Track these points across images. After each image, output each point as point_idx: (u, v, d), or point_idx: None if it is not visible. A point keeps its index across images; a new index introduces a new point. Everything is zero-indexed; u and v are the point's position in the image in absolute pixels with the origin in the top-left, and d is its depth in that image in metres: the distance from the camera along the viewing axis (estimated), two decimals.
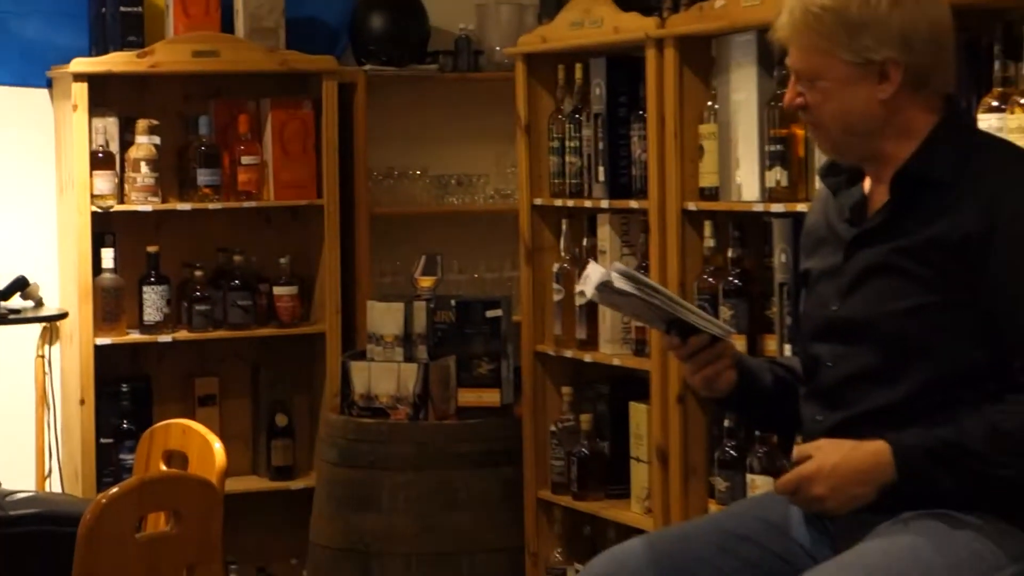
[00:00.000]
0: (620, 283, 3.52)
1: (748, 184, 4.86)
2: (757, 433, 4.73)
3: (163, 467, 4.58)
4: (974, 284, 3.36)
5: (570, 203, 5.65)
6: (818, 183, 4.00)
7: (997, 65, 3.99)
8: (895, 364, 3.43)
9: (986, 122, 3.84)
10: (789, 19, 3.46)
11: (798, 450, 3.42)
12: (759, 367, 3.79)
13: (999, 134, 3.75)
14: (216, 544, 4.08)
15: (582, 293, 3.67)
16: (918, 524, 3.38)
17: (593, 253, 5.54)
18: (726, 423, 4.89)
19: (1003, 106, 3.89)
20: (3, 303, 6.60)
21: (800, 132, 4.65)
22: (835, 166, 3.65)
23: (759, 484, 4.62)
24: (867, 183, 3.59)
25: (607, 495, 5.57)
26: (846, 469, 3.33)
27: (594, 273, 3.60)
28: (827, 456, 3.35)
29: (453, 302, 6.01)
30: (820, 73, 3.45)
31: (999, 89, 3.95)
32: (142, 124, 6.88)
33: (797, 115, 4.53)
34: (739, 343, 4.07)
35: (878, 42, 3.39)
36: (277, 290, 7.09)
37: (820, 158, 4.57)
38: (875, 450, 3.32)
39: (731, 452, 4.85)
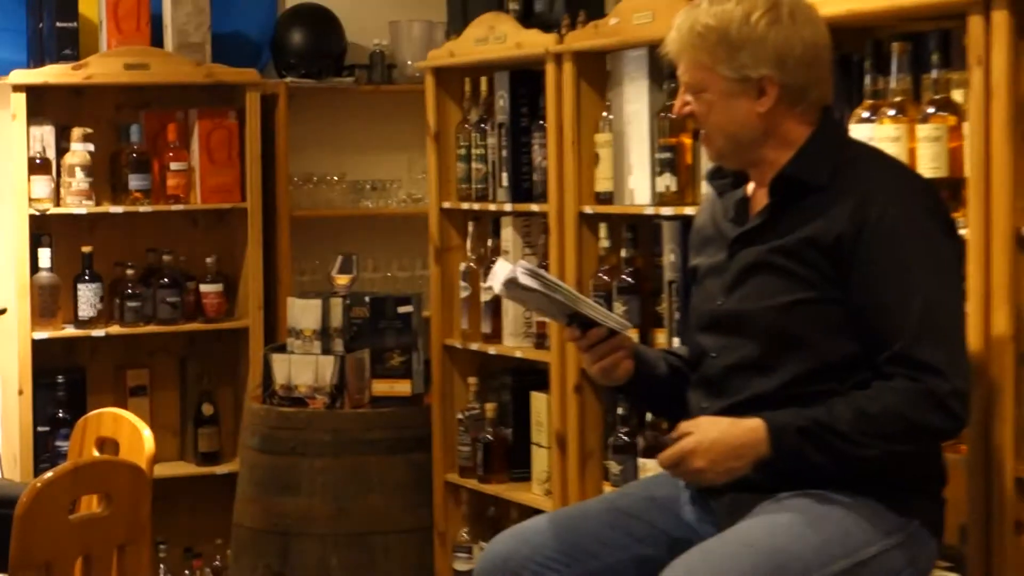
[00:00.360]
0: (525, 279, 3.54)
1: (640, 189, 4.85)
2: (648, 419, 4.74)
3: (96, 453, 4.54)
4: (845, 282, 3.39)
5: (476, 206, 5.63)
6: (704, 187, 4.00)
7: (868, 79, 4.06)
8: (773, 355, 3.46)
9: (858, 131, 3.87)
10: (677, 36, 3.52)
11: (679, 427, 3.44)
12: (655, 357, 3.81)
13: (870, 142, 3.77)
14: (145, 525, 4.04)
15: (490, 288, 3.67)
16: (794, 503, 3.41)
17: (497, 253, 5.52)
18: (619, 411, 4.91)
19: (873, 117, 3.95)
20: None
21: (688, 141, 4.67)
22: (721, 169, 3.70)
23: (649, 467, 4.62)
24: (750, 186, 3.63)
25: (510, 478, 5.56)
26: (723, 444, 3.37)
27: (501, 270, 3.61)
28: (706, 432, 3.38)
29: (367, 299, 5.99)
30: (704, 86, 3.50)
31: (870, 101, 4.01)
32: (77, 132, 6.82)
33: (685, 124, 4.60)
34: (632, 336, 4.06)
35: (755, 61, 3.45)
36: (203, 287, 7.07)
37: (706, 164, 4.57)
38: (751, 427, 3.36)
39: (624, 438, 4.86)
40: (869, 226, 3.36)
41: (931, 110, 3.91)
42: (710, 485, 3.47)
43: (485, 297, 5.55)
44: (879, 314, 3.35)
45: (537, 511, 4.87)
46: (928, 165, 3.83)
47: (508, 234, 5.53)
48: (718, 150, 3.59)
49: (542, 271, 3.62)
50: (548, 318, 4.16)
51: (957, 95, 3.88)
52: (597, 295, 4.89)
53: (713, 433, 3.38)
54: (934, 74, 3.96)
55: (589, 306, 3.62)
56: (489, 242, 5.63)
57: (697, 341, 3.67)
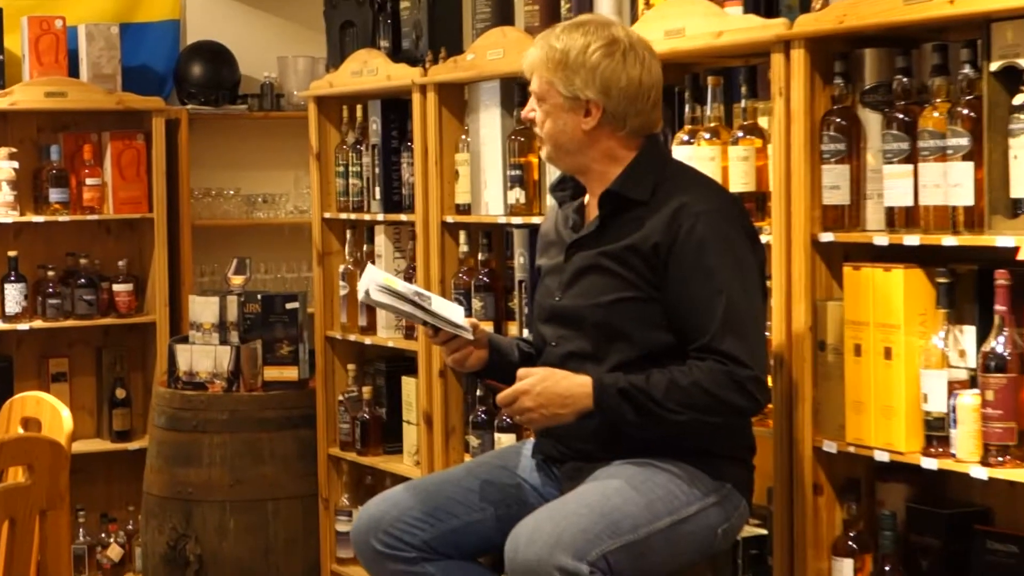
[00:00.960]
0: (376, 295, 3.59)
1: (494, 201, 4.86)
2: None
3: (20, 431, 4.51)
4: (661, 284, 3.43)
5: (353, 216, 5.63)
6: (549, 199, 4.04)
7: (687, 108, 4.10)
8: (601, 345, 3.50)
9: (679, 152, 3.93)
10: (533, 53, 3.59)
11: (518, 373, 3.49)
12: (509, 345, 3.84)
13: (689, 161, 3.82)
14: (64, 494, 4.01)
15: (364, 292, 3.70)
16: (625, 470, 3.44)
17: (371, 257, 5.54)
18: (478, 393, 4.91)
19: (692, 140, 4.03)
20: None
21: (535, 160, 4.68)
22: (562, 182, 3.73)
23: (503, 440, 4.64)
24: (587, 198, 3.65)
25: (384, 451, 5.56)
26: (553, 392, 3.42)
27: (364, 282, 3.64)
28: (541, 380, 3.44)
29: (259, 296, 5.97)
30: (545, 97, 3.56)
31: (688, 126, 4.08)
32: (2, 151, 6.76)
33: (533, 146, 4.60)
34: (487, 328, 4.10)
35: (585, 85, 3.49)
36: (116, 287, 7.01)
37: (550, 180, 4.61)
38: (580, 382, 3.42)
39: (482, 416, 4.87)
40: (681, 237, 3.41)
41: (740, 134, 3.97)
42: (537, 427, 3.55)
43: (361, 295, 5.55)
44: (690, 312, 3.41)
45: (408, 479, 4.88)
46: (738, 181, 3.90)
47: (381, 240, 5.53)
48: (548, 152, 3.65)
49: (395, 285, 3.64)
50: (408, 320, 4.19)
51: (763, 121, 3.94)
52: (458, 293, 4.92)
53: (547, 382, 3.43)
54: (743, 103, 4.02)
55: (433, 316, 3.63)
56: (364, 247, 5.64)
57: (539, 331, 3.71)
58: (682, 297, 3.41)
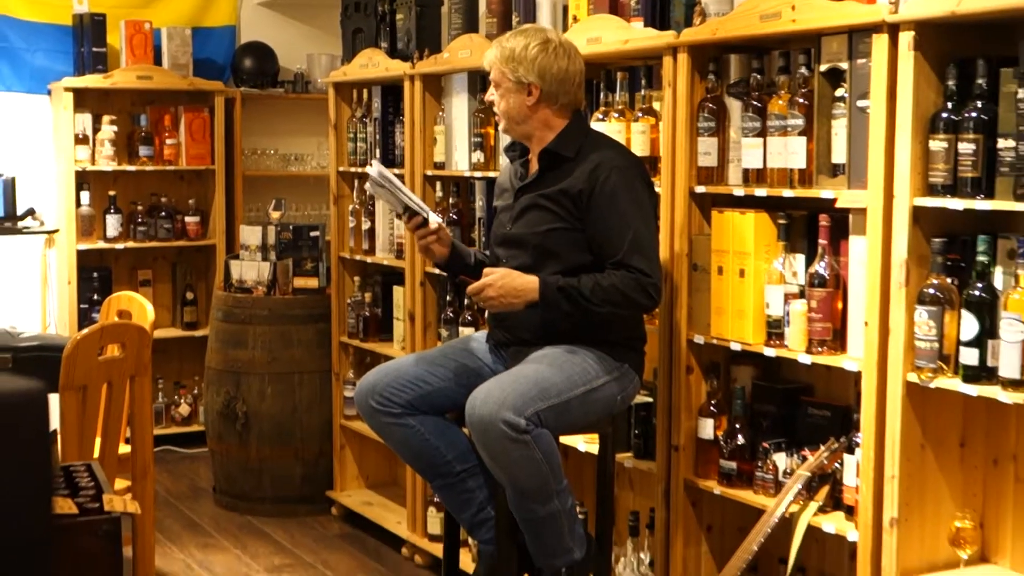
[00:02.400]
0: (375, 183, 3.60)
1: (461, 160, 4.84)
2: (466, 303, 4.77)
3: (116, 319, 4.51)
4: (583, 219, 3.44)
5: (359, 170, 5.57)
6: (502, 158, 4.03)
7: (602, 95, 4.09)
8: (539, 261, 3.51)
9: (596, 126, 3.89)
10: (492, 52, 3.59)
11: (485, 271, 3.49)
12: (467, 251, 3.81)
13: (604, 132, 3.81)
14: (147, 366, 4.02)
15: (367, 187, 3.71)
16: (553, 351, 3.47)
17: (372, 202, 5.49)
18: (448, 298, 4.91)
19: (605, 118, 4.00)
20: (21, 223, 6.49)
21: (491, 131, 4.64)
22: (512, 146, 3.73)
23: (465, 332, 4.63)
24: (531, 156, 3.64)
25: (380, 339, 5.54)
26: (511, 286, 3.42)
27: (370, 171, 3.62)
28: (501, 277, 3.44)
29: (291, 226, 5.94)
30: (500, 83, 3.57)
31: (603, 108, 4.05)
32: (106, 119, 6.79)
33: (491, 121, 4.58)
34: (449, 232, 4.06)
35: (527, 72, 3.50)
36: (187, 219, 7.04)
37: (503, 144, 4.60)
38: (530, 279, 3.43)
39: (450, 314, 4.85)
40: (598, 185, 3.42)
41: (640, 114, 3.96)
42: (494, 311, 3.54)
43: (365, 226, 5.53)
44: (606, 240, 3.42)
45: (395, 358, 4.90)
46: (638, 148, 3.90)
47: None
48: (503, 125, 3.63)
49: (392, 178, 3.62)
50: (394, 209, 4.09)
51: (656, 105, 3.94)
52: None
53: (506, 279, 3.44)
54: (643, 92, 4.01)
55: (413, 202, 3.63)
56: (367, 193, 5.57)
57: (494, 252, 3.70)
58: (600, 229, 3.43)
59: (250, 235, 5.98)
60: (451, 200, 4.90)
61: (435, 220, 3.64)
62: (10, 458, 0.58)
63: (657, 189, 3.78)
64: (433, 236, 3.64)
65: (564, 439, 3.86)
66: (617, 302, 3.39)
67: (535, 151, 3.60)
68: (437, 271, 4.90)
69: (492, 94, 3.61)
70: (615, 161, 3.46)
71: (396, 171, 5.26)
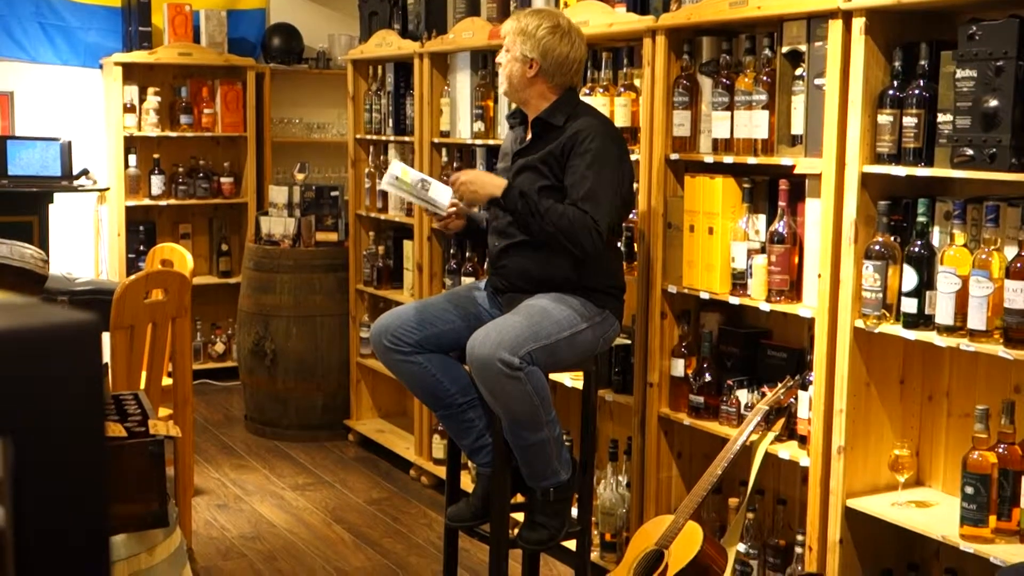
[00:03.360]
0: (388, 186, 3.53)
1: (464, 130, 4.81)
2: (467, 255, 4.77)
3: (160, 267, 4.50)
4: (563, 175, 3.42)
5: (374, 137, 5.55)
6: (501, 127, 4.01)
7: (589, 72, 4.05)
8: None
9: (584, 99, 3.86)
10: (508, 23, 3.58)
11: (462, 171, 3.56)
12: (479, 217, 3.76)
13: (592, 103, 3.78)
14: (187, 308, 4.02)
15: (383, 183, 3.65)
16: (543, 299, 3.45)
17: (385, 165, 5.47)
18: (451, 252, 4.90)
19: (591, 93, 3.97)
20: (76, 182, 6.48)
21: (491, 104, 4.63)
22: (513, 115, 3.68)
23: (466, 281, 4.62)
24: (528, 125, 3.62)
25: (391, 287, 5.54)
26: (483, 179, 3.46)
27: (386, 176, 3.58)
28: (478, 172, 3.57)
29: (313, 187, 5.92)
30: (509, 49, 3.53)
31: (590, 84, 4.02)
32: (150, 90, 6.74)
33: (490, 95, 4.55)
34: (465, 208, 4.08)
35: (531, 49, 3.46)
36: (223, 179, 7.02)
37: (501, 119, 4.58)
38: (499, 179, 3.45)
39: (453, 265, 4.86)
40: (577, 148, 3.39)
41: (622, 89, 3.94)
42: (466, 199, 3.50)
43: (379, 187, 5.50)
44: (571, 187, 3.37)
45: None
46: (620, 119, 3.88)
47: (392, 153, 5.47)
48: (504, 87, 3.58)
49: (407, 176, 3.52)
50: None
51: (637, 81, 3.92)
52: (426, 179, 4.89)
53: (481, 174, 3.53)
54: (624, 70, 3.99)
55: (428, 203, 3.58)
56: (381, 157, 5.59)
57: (494, 210, 3.69)
58: (569, 178, 3.38)
59: (278, 194, 5.96)
60: (455, 164, 4.88)
61: (447, 205, 3.61)
62: (70, 381, 0.59)
63: (636, 156, 3.77)
64: (451, 219, 3.63)
65: (553, 376, 3.87)
66: (563, 228, 3.31)
67: (531, 117, 3.58)
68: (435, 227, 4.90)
69: (502, 56, 3.59)
70: (595, 128, 3.42)
71: (406, 138, 5.25)
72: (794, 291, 3.38)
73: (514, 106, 3.72)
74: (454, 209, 3.60)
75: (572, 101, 3.55)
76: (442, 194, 3.62)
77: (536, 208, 3.34)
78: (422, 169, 5.01)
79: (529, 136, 3.56)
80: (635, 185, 3.72)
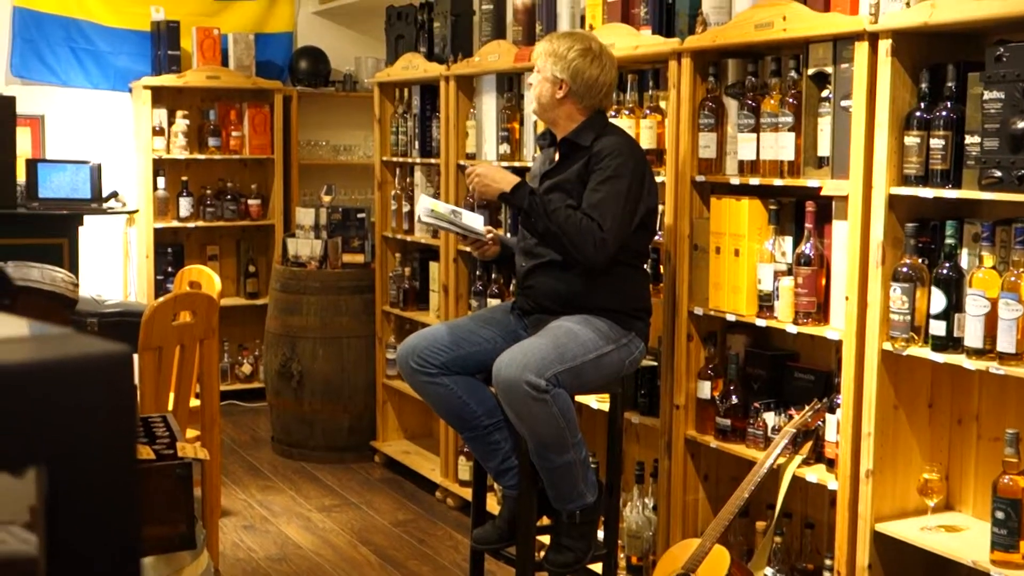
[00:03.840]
0: (426, 219, 3.58)
1: (490, 151, 4.82)
2: (492, 277, 4.78)
3: (188, 289, 4.52)
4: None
5: (400, 159, 5.57)
6: (526, 150, 4.01)
7: (615, 94, 4.03)
8: None
9: (612, 120, 3.87)
10: (541, 45, 3.60)
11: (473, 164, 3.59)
12: (511, 242, 3.78)
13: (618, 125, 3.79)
14: (215, 329, 4.03)
15: (418, 216, 3.70)
16: (570, 321, 3.45)
17: (413, 188, 5.50)
18: (477, 273, 4.91)
19: (617, 115, 3.96)
20: (106, 204, 6.52)
21: (516, 126, 4.64)
22: (543, 136, 3.69)
23: (492, 303, 4.64)
24: (557, 146, 3.63)
25: (417, 308, 5.55)
26: (496, 173, 3.48)
27: (418, 210, 3.63)
28: (491, 167, 3.53)
29: (340, 209, 5.94)
30: (540, 71, 3.55)
31: (616, 105, 4.01)
32: (179, 113, 6.79)
33: (517, 118, 4.56)
34: (500, 233, 4.08)
35: (562, 71, 3.48)
36: (250, 201, 7.04)
37: (527, 141, 4.60)
38: (512, 176, 3.47)
39: (479, 287, 4.86)
40: (600, 161, 3.40)
41: (648, 111, 3.94)
42: (479, 192, 3.52)
43: (405, 209, 5.53)
44: (584, 201, 3.39)
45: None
46: (646, 141, 3.88)
47: (418, 176, 5.48)
48: (534, 107, 3.62)
49: (438, 208, 3.57)
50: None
51: (663, 103, 3.93)
52: (467, 207, 4.89)
53: (495, 168, 3.52)
54: (651, 92, 4.00)
55: (464, 229, 3.61)
56: (408, 180, 5.61)
57: (523, 230, 3.68)
58: (588, 200, 3.39)
59: (304, 216, 5.99)
60: None
61: (484, 231, 3.63)
62: (104, 410, 0.59)
63: (662, 178, 3.77)
64: (487, 246, 3.67)
65: (579, 398, 3.87)
66: (568, 232, 3.32)
67: (559, 139, 3.58)
68: (467, 249, 4.91)
69: (533, 76, 3.60)
70: (617, 146, 3.44)
71: (432, 160, 5.27)
72: (821, 313, 3.37)
73: (543, 128, 3.73)
74: (491, 235, 3.63)
75: (600, 123, 3.55)
76: (475, 220, 3.64)
77: (544, 208, 3.36)
78: (449, 191, 5.04)
79: (557, 157, 3.57)
80: (660, 207, 3.71)
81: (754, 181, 3.51)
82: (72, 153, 6.64)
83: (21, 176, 6.14)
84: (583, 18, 4.31)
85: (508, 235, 3.75)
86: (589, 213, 3.34)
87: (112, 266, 6.86)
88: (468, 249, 3.72)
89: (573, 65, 3.48)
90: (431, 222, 3.59)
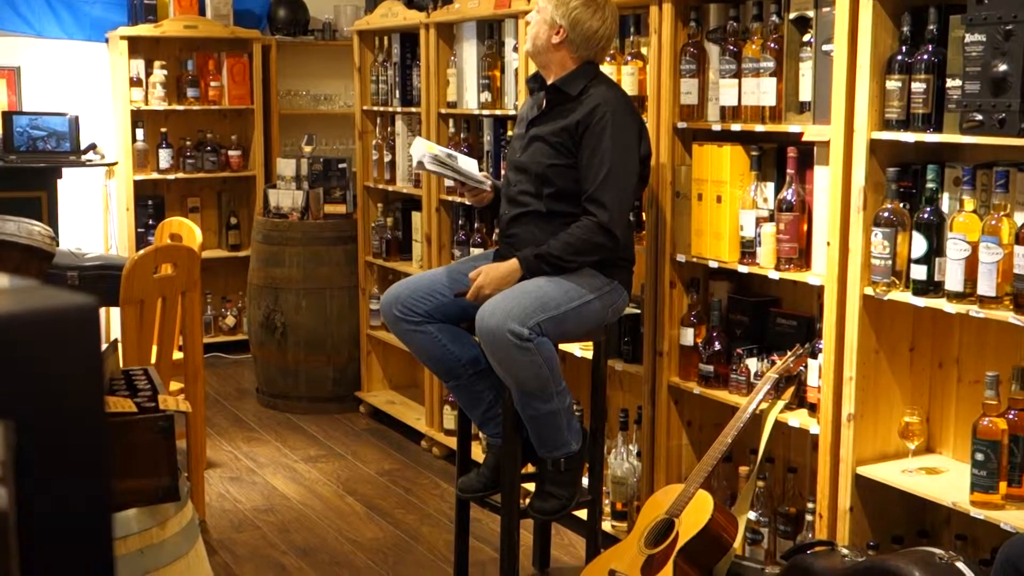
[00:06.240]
0: (429, 166, 3.56)
1: (471, 100, 4.79)
2: (475, 226, 4.77)
3: (169, 241, 4.51)
4: (577, 152, 3.41)
5: (381, 109, 5.54)
6: (508, 98, 3.98)
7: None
8: (539, 187, 3.48)
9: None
10: None
11: (470, 276, 3.45)
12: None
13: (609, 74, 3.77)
14: (197, 282, 4.03)
15: (410, 157, 3.69)
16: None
17: (394, 137, 5.47)
18: (460, 223, 4.90)
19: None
20: (84, 156, 6.47)
21: (497, 74, 4.61)
22: (534, 78, 3.66)
23: (475, 252, 4.63)
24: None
25: (400, 258, 5.53)
26: (497, 278, 3.41)
27: (415, 152, 3.60)
28: (485, 275, 3.42)
29: (321, 159, 5.91)
30: (540, 12, 3.50)
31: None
32: (157, 64, 6.72)
33: (497, 66, 4.52)
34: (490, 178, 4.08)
35: (562, 17, 3.46)
36: (230, 152, 6.97)
37: (508, 89, 4.57)
38: (511, 265, 3.41)
39: (462, 237, 4.85)
40: (592, 123, 3.38)
41: (630, 58, 3.92)
42: (499, 292, 3.44)
43: (387, 158, 5.50)
44: (586, 173, 3.38)
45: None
46: (628, 88, 3.85)
47: (399, 125, 5.45)
48: (528, 46, 3.58)
49: (434, 151, 3.56)
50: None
51: (644, 50, 3.90)
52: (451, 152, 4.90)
53: (490, 274, 3.41)
54: (632, 38, 3.97)
55: (463, 175, 3.60)
56: (389, 129, 5.57)
57: (507, 176, 3.68)
58: (584, 159, 3.38)
59: (285, 167, 5.96)
60: (462, 135, 4.87)
61: (482, 176, 3.63)
62: (69, 364, 0.59)
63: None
64: (484, 190, 3.66)
65: (562, 346, 3.88)
66: (585, 251, 3.36)
67: (548, 83, 3.55)
68: (450, 198, 4.90)
69: (532, 15, 3.57)
70: (612, 102, 3.41)
71: (413, 109, 5.23)
72: (803, 259, 3.37)
73: (533, 70, 3.70)
74: (490, 182, 3.63)
75: (590, 73, 3.52)
76: (471, 164, 3.64)
77: (555, 257, 3.36)
78: (430, 140, 5.01)
79: (544, 104, 3.54)
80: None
81: (736, 127, 3.50)
82: (49, 105, 6.58)
83: None
84: None
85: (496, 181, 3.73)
86: (595, 195, 3.33)
87: (92, 219, 6.82)
88: (463, 198, 3.70)
89: (574, 14, 3.45)
90: (434, 169, 3.58)
